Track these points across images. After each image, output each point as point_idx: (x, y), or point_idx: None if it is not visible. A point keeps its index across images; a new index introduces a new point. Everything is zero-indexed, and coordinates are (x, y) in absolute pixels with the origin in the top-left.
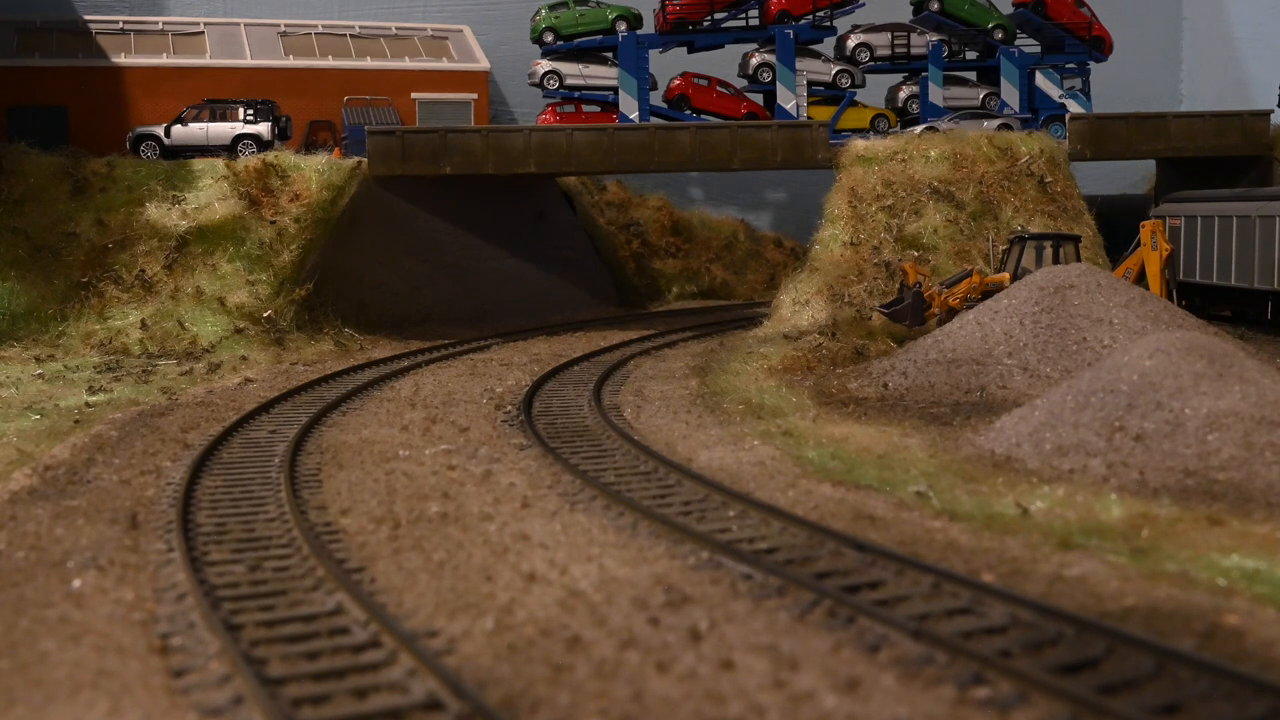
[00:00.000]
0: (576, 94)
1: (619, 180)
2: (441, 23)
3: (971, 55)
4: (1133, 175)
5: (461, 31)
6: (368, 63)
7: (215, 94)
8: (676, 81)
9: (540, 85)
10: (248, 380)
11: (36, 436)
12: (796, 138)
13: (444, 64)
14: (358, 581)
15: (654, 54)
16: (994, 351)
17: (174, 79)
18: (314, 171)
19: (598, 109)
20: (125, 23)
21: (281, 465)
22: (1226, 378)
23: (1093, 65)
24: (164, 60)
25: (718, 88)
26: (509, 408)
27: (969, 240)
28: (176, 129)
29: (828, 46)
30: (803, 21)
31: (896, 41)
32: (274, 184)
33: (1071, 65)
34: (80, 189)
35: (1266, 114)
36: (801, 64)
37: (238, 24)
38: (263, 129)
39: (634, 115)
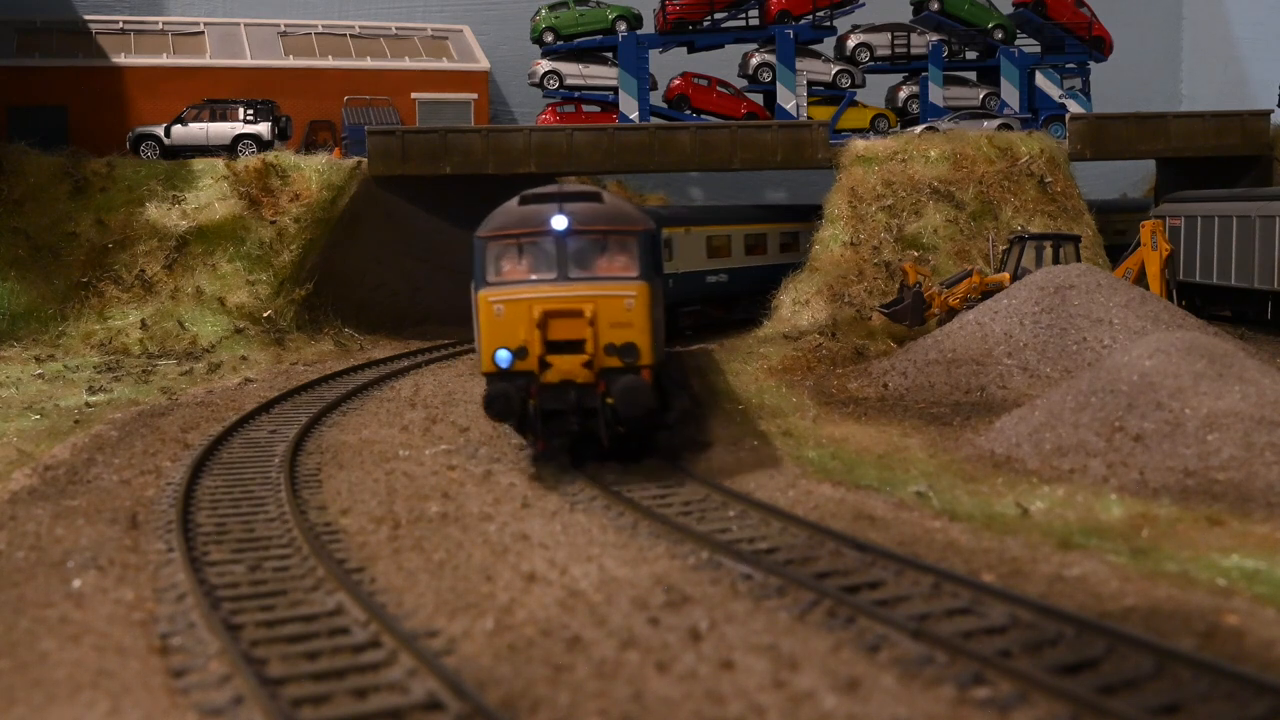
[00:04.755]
0: (576, 94)
1: (619, 180)
2: (441, 23)
3: (971, 55)
4: (1133, 175)
5: (461, 31)
6: (368, 63)
7: (215, 94)
8: (676, 81)
9: (540, 85)
10: (248, 380)
11: (36, 436)
12: (796, 138)
13: (444, 64)
14: (358, 581)
15: (654, 54)
16: (994, 351)
17: (174, 79)
18: (314, 171)
19: (598, 109)
20: (125, 23)
21: (281, 465)
22: (1226, 378)
23: (1093, 65)
24: (164, 60)
25: (718, 88)
26: None
27: (969, 240)
28: (176, 129)
29: (828, 46)
30: (803, 21)
31: (896, 41)
32: (274, 184)
33: (1071, 65)
34: (80, 189)
35: (1266, 114)
36: (801, 64)
37: (238, 24)
38: (263, 129)
39: (634, 115)
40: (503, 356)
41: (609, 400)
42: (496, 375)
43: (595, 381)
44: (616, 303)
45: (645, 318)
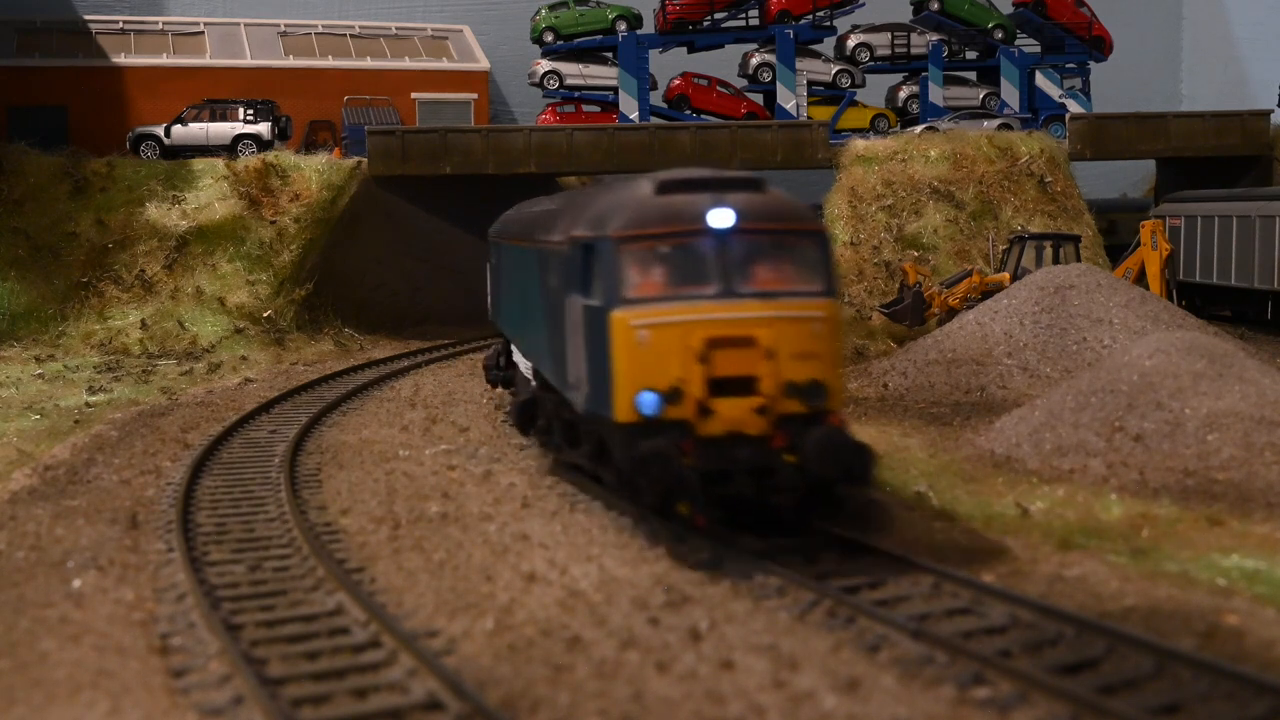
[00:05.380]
0: (576, 94)
1: None
2: (441, 23)
3: (971, 55)
4: (1133, 175)
5: (461, 31)
6: (368, 63)
7: (215, 94)
8: (676, 81)
9: (540, 85)
10: (248, 380)
11: (36, 436)
12: (796, 138)
13: (444, 64)
14: (358, 582)
15: (654, 54)
16: (994, 351)
17: (174, 79)
18: (314, 171)
19: (598, 109)
20: (125, 23)
21: (281, 465)
22: (1226, 378)
23: (1093, 65)
24: (164, 60)
25: (718, 88)
26: (509, 407)
27: (969, 240)
28: (176, 129)
29: (828, 46)
30: (803, 21)
31: (896, 41)
32: (274, 184)
33: (1071, 65)
34: (80, 189)
35: (1266, 114)
36: (801, 64)
37: (238, 24)
38: (263, 129)
39: (634, 115)
40: (648, 401)
41: (789, 458)
42: (638, 427)
43: (771, 433)
44: (800, 327)
45: (834, 347)
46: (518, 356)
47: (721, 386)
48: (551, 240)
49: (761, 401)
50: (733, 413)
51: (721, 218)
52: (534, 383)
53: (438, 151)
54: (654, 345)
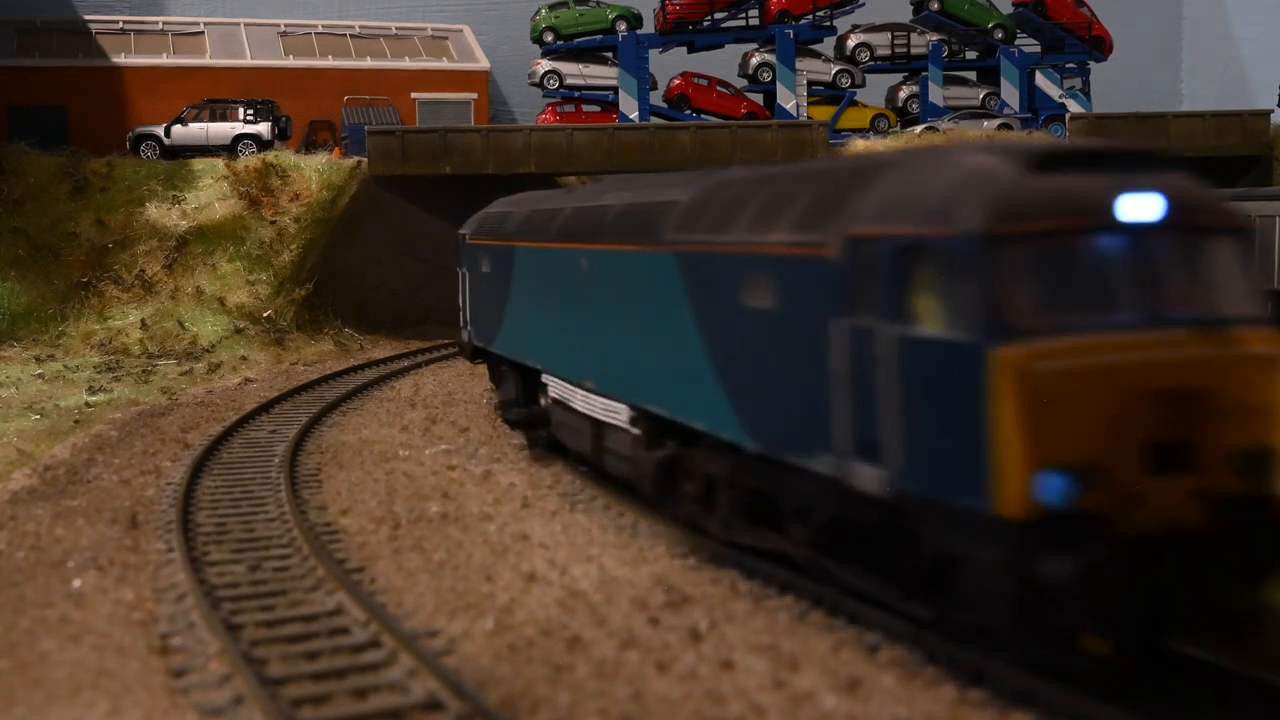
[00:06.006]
0: (576, 94)
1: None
2: (441, 23)
3: (971, 55)
4: None
5: (461, 31)
6: (368, 63)
7: (215, 94)
8: (676, 81)
9: (540, 85)
10: (248, 380)
11: (36, 436)
12: (796, 138)
13: (444, 64)
14: (358, 582)
15: (654, 54)
16: None
17: (174, 79)
18: (314, 171)
19: (598, 109)
20: (125, 23)
21: (281, 465)
22: None
23: (1093, 65)
24: (164, 60)
25: (718, 88)
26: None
27: None
28: (176, 129)
29: (828, 46)
30: (803, 21)
31: (896, 41)
32: (274, 184)
33: (1071, 65)
34: (80, 189)
35: (1266, 114)
36: (801, 64)
37: (238, 24)
38: (263, 129)
39: (634, 115)
40: (1057, 486)
41: (1234, 561)
42: (1035, 526)
43: (1211, 525)
44: (1254, 371)
45: None
46: (559, 391)
47: (1154, 459)
48: (763, 242)
49: (1202, 481)
50: (1167, 498)
51: (1141, 207)
52: (634, 431)
53: (438, 151)
54: (1065, 400)
